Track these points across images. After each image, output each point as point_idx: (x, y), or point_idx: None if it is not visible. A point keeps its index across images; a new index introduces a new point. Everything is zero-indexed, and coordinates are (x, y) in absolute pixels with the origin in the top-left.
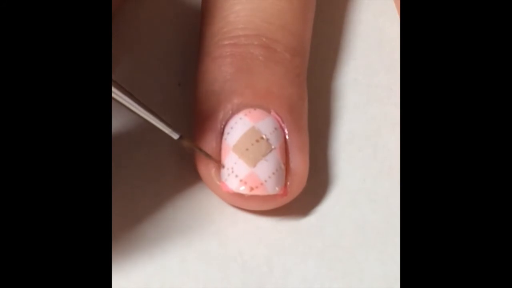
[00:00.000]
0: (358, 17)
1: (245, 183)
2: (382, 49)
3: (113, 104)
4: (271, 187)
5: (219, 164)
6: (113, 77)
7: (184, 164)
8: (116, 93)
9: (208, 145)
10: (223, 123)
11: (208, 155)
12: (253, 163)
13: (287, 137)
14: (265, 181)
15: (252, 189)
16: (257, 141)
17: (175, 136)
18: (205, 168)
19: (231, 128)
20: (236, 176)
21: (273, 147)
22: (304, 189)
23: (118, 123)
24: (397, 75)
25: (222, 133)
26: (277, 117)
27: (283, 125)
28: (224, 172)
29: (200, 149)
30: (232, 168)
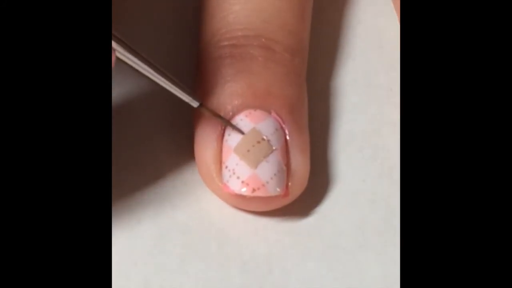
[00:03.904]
0: (358, 17)
1: (247, 184)
2: (381, 49)
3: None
4: (272, 188)
5: (236, 130)
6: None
7: (184, 164)
8: (135, 62)
9: (210, 146)
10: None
11: (229, 123)
12: (255, 164)
13: (287, 137)
14: (267, 182)
15: (254, 190)
16: (259, 142)
17: (195, 104)
18: (206, 170)
19: (232, 129)
20: (238, 177)
21: (274, 148)
22: (304, 190)
23: (118, 123)
24: (397, 75)
25: (223, 135)
26: (278, 117)
27: (283, 125)
28: (226, 173)
29: (221, 117)
30: (234, 170)
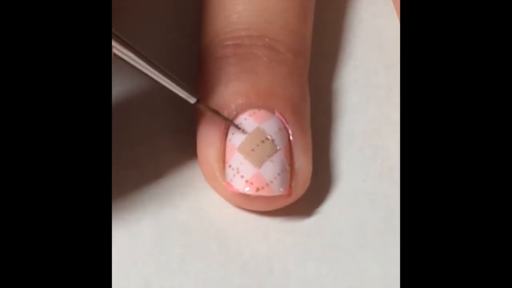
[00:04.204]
0: (358, 17)
1: (251, 183)
2: (382, 49)
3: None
4: (276, 188)
5: (235, 128)
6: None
7: (184, 164)
8: (131, 57)
9: (213, 145)
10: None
11: (226, 119)
12: (259, 164)
13: (291, 137)
14: (271, 181)
15: (258, 189)
16: (263, 141)
17: (192, 100)
18: (210, 169)
19: (233, 128)
20: (242, 176)
21: (278, 148)
22: None
23: (118, 122)
24: (397, 75)
25: (226, 134)
26: (281, 117)
27: (287, 125)
28: (229, 172)
29: (218, 113)
30: (238, 169)
